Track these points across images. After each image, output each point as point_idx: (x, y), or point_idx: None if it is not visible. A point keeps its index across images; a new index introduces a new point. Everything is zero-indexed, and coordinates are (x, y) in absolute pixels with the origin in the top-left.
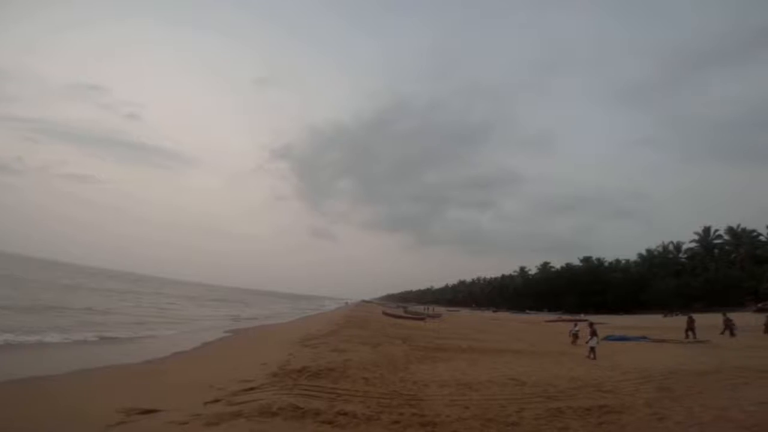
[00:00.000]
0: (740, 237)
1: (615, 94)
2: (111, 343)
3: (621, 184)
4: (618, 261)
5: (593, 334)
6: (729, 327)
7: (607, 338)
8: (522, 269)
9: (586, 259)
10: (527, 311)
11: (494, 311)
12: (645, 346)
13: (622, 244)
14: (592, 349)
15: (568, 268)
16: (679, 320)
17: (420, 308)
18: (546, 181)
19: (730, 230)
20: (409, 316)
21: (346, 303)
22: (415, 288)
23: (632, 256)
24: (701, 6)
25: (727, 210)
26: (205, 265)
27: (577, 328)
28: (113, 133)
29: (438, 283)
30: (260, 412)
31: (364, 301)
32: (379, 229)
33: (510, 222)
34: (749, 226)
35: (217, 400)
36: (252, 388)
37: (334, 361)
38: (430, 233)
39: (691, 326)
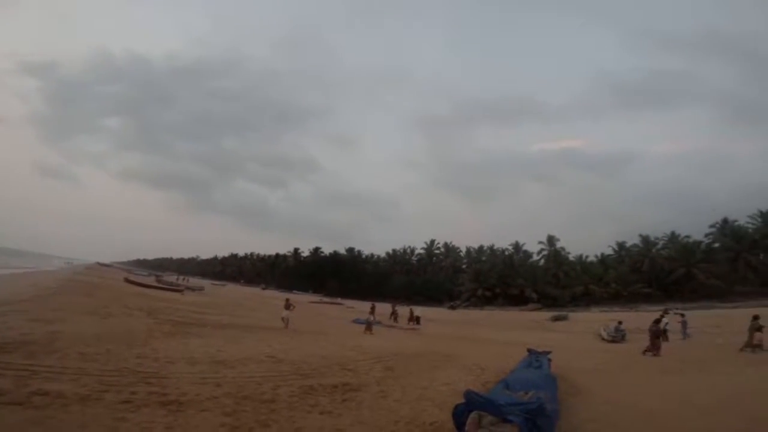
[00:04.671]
0: (450, 251)
1: (417, 119)
2: None
3: (388, 192)
4: (372, 255)
5: (287, 307)
6: (393, 315)
7: (356, 321)
8: (296, 250)
9: (350, 250)
10: (294, 291)
11: (263, 288)
12: (380, 329)
13: (378, 241)
14: (283, 318)
15: (335, 256)
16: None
17: (176, 278)
18: (337, 175)
19: (445, 245)
20: (163, 286)
21: (70, 263)
22: (176, 256)
23: (382, 253)
24: (501, 71)
25: (448, 229)
26: None
27: (371, 317)
28: None
29: (206, 254)
30: None
31: (101, 263)
32: (144, 183)
33: (296, 204)
34: (457, 245)
35: None
36: None
37: (33, 333)
38: (208, 199)
39: (394, 314)
